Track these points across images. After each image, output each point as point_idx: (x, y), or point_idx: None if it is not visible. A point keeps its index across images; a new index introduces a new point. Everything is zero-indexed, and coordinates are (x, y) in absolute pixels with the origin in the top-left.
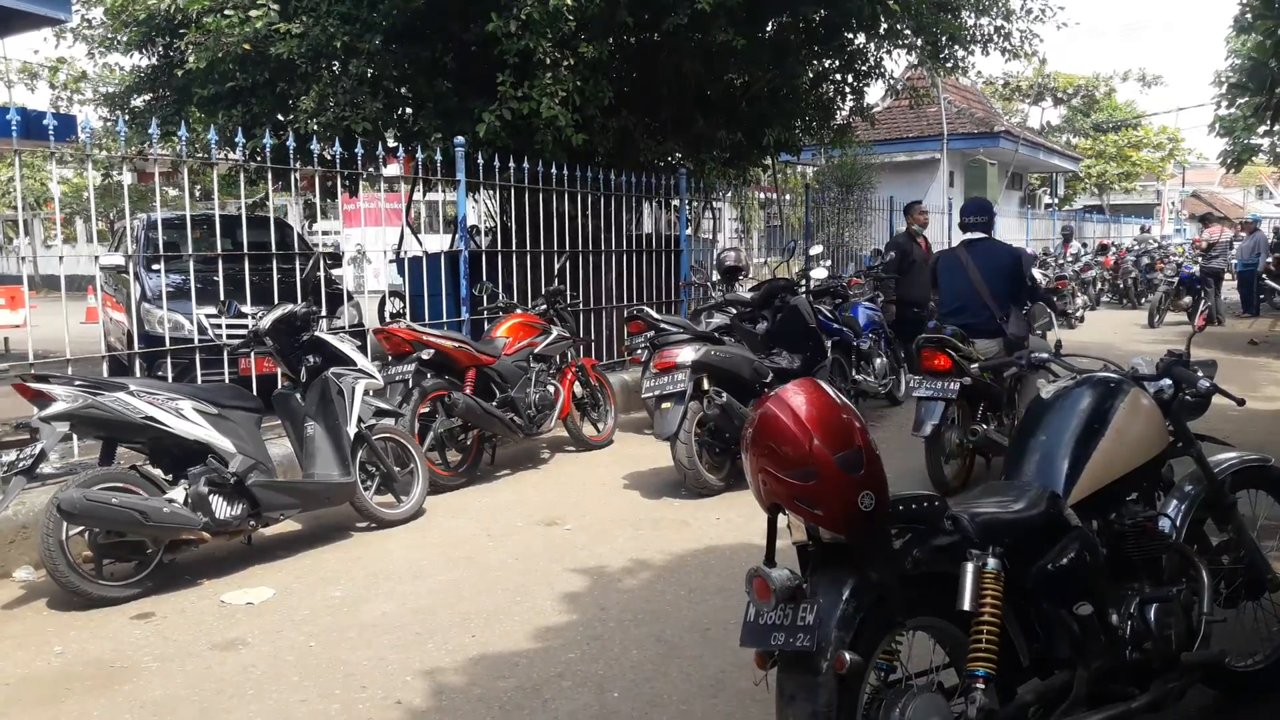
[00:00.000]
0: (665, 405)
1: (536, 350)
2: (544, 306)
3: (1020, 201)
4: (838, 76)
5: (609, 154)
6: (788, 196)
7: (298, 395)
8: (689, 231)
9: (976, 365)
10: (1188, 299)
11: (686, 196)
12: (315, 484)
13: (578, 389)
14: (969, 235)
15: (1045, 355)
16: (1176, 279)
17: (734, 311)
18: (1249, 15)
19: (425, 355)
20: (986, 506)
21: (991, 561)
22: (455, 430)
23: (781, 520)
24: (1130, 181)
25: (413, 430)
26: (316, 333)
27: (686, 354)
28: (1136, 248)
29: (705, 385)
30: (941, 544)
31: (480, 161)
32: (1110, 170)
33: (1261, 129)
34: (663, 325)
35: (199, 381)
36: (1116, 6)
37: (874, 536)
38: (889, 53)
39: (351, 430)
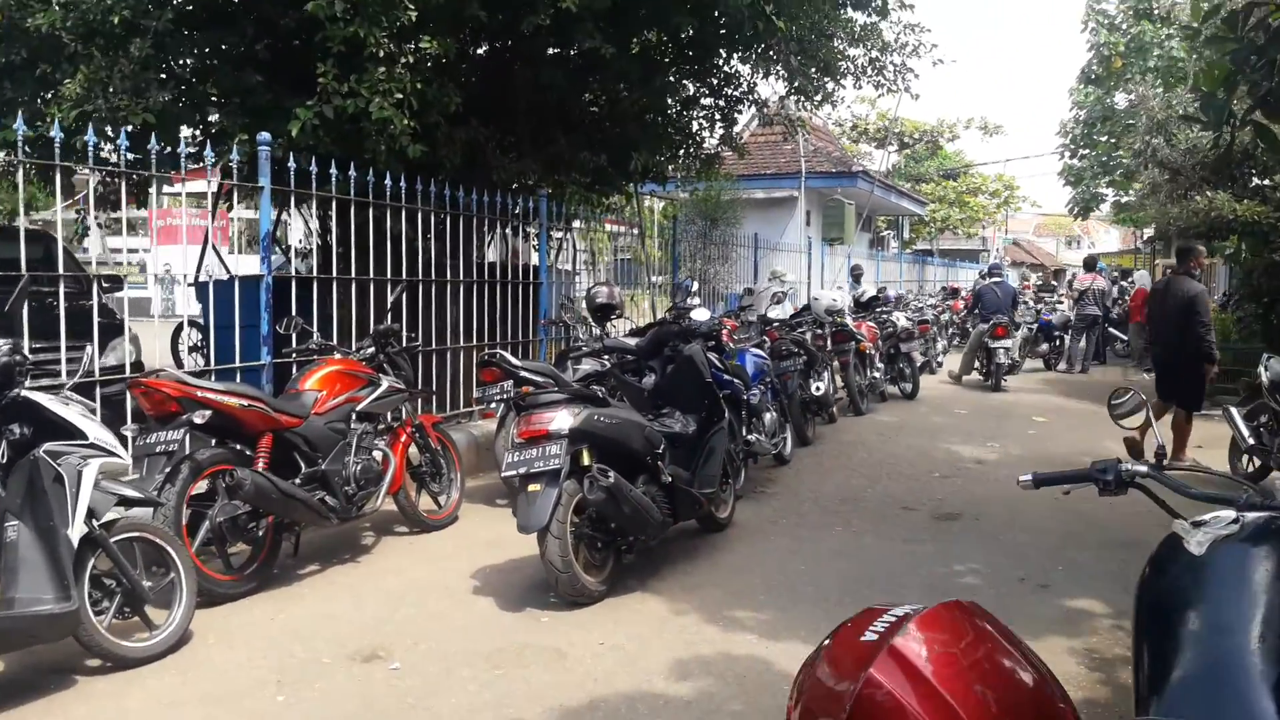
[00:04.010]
0: (533, 487)
1: (360, 407)
2: (372, 350)
3: (869, 243)
4: (707, 101)
5: (455, 169)
6: (634, 230)
7: None
8: (549, 262)
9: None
10: (1044, 346)
11: (546, 223)
12: (12, 617)
13: (413, 454)
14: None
15: (1143, 468)
16: (1036, 325)
17: (608, 360)
18: (1207, 30)
19: (200, 418)
20: None
21: None
22: (241, 519)
23: None
24: (972, 226)
25: (178, 523)
26: (24, 391)
27: (563, 419)
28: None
29: (586, 460)
30: None
31: (295, 168)
32: (954, 215)
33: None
34: (524, 374)
35: None
36: (960, 56)
37: None
38: (765, 76)
39: (75, 533)
